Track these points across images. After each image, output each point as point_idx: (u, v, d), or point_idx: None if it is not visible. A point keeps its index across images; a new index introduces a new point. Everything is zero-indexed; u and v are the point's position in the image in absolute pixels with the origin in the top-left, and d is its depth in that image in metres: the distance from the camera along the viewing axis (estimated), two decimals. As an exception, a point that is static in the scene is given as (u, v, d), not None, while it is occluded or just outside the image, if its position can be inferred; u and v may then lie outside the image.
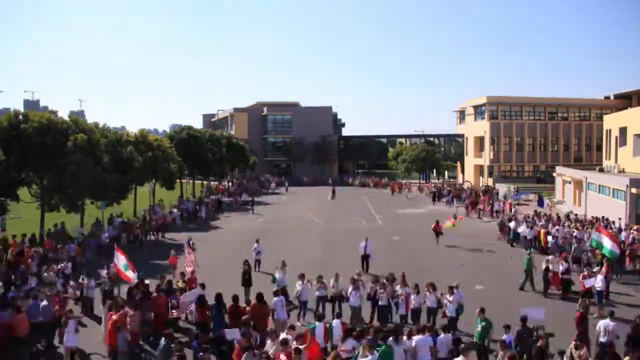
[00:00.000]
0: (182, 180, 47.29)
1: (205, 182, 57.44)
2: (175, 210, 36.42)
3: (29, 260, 19.70)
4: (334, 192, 51.23)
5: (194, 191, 52.44)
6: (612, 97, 63.80)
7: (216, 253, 26.29)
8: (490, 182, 56.54)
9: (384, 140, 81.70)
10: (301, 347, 10.04)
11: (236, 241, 29.39)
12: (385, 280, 15.49)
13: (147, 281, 15.93)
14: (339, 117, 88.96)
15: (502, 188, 51.03)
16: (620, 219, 28.70)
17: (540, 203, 36.48)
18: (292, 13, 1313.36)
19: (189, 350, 11.38)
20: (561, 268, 18.19)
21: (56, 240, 22.99)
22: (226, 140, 56.33)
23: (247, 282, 17.57)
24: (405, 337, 11.18)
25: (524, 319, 12.19)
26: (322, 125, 75.45)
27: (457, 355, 10.29)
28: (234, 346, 10.88)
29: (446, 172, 78.23)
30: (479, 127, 65.01)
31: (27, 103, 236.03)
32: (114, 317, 12.28)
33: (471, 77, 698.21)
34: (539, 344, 10.97)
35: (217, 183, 59.54)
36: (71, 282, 17.19)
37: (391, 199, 51.56)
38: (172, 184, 39.99)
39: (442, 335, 11.54)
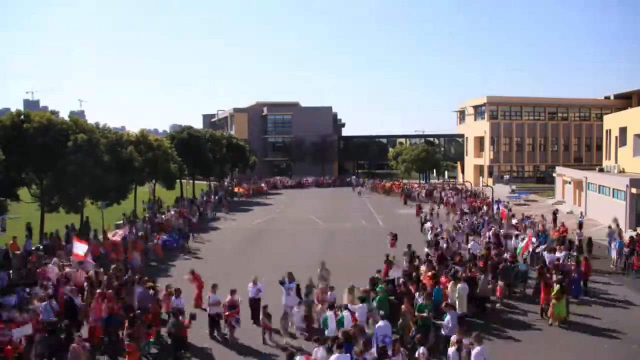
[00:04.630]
0: (182, 181, 47.29)
1: (216, 183, 57.60)
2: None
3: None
4: None
5: (193, 191, 52.43)
6: (612, 97, 63.87)
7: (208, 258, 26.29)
8: (490, 182, 56.51)
9: (384, 140, 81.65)
10: None
11: (234, 244, 29.40)
12: None
13: None
14: (339, 117, 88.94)
15: (502, 188, 51.01)
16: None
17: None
18: (292, 13, 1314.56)
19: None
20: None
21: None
22: (226, 140, 56.30)
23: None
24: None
25: None
26: (322, 125, 75.43)
27: None
28: None
29: (446, 172, 78.21)
30: (479, 127, 65.04)
31: (27, 103, 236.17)
32: None
33: (471, 77, 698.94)
34: None
35: (217, 183, 59.48)
36: None
37: (391, 199, 51.48)
38: (172, 184, 40.01)
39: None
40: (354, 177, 68.76)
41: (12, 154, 22.74)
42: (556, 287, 15.12)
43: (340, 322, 12.77)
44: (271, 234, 31.88)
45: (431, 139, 77.80)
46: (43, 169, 24.79)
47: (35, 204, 26.32)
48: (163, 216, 32.57)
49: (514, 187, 52.03)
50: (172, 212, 33.89)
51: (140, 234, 26.29)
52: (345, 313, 13.01)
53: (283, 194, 56.98)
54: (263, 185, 62.03)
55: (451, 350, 10.88)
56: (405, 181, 60.48)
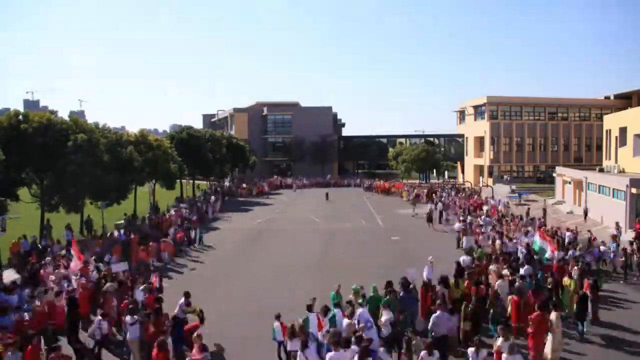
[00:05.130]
0: (182, 181, 47.30)
1: (215, 183, 57.65)
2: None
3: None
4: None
5: (194, 191, 52.45)
6: (612, 97, 63.85)
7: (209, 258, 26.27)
8: (490, 182, 56.53)
9: (384, 140, 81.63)
10: None
11: (234, 244, 29.40)
12: None
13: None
14: (339, 117, 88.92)
15: (502, 188, 51.03)
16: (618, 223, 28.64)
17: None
18: (292, 13, 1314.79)
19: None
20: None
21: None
22: (226, 140, 56.33)
23: None
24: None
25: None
26: (322, 125, 75.38)
27: None
28: None
29: (446, 172, 78.20)
30: (479, 127, 65.03)
31: (27, 103, 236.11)
32: None
33: (471, 77, 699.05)
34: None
35: (216, 183, 59.58)
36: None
37: (391, 199, 51.48)
38: (172, 184, 40.02)
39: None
40: (354, 177, 69.15)
41: (12, 154, 22.77)
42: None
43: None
44: (271, 234, 31.87)
45: (431, 139, 77.78)
46: (43, 169, 24.81)
47: (35, 204, 26.34)
48: (168, 216, 32.65)
49: (513, 187, 52.04)
50: (173, 212, 33.96)
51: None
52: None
53: (283, 194, 56.98)
54: (264, 185, 62.00)
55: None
56: (407, 181, 60.57)
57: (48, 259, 19.51)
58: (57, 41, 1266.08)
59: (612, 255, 21.42)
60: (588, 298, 14.64)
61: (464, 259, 18.74)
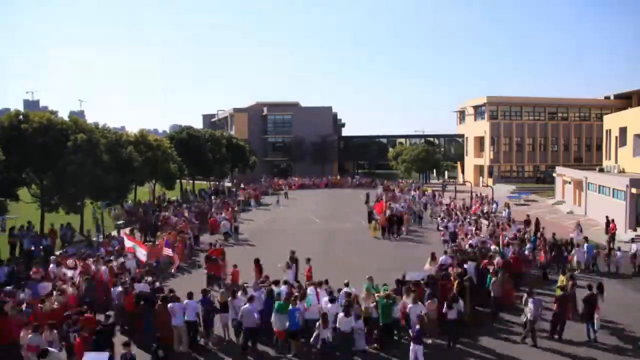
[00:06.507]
0: (182, 181, 47.29)
1: (214, 183, 57.59)
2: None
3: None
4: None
5: (193, 191, 52.34)
6: (612, 97, 63.82)
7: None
8: (490, 182, 56.51)
9: (384, 140, 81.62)
10: None
11: (233, 244, 29.35)
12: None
13: None
14: (339, 117, 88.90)
15: (502, 188, 51.01)
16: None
17: None
18: (292, 13, 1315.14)
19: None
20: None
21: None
22: (226, 140, 56.30)
23: None
24: None
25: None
26: (322, 125, 75.35)
27: None
28: None
29: (446, 172, 78.22)
30: (479, 127, 65.02)
31: (27, 103, 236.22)
32: None
33: (471, 77, 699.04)
34: None
35: (216, 183, 59.50)
36: None
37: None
38: (172, 184, 40.02)
39: None
40: (358, 177, 69.43)
41: (12, 154, 22.77)
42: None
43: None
44: (271, 234, 31.86)
45: (431, 139, 77.76)
46: (43, 169, 24.81)
47: (35, 204, 26.33)
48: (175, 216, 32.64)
49: (513, 187, 52.08)
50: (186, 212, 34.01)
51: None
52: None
53: (283, 194, 56.82)
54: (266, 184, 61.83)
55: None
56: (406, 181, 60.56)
57: (52, 257, 19.64)
58: (57, 41, 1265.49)
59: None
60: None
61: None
